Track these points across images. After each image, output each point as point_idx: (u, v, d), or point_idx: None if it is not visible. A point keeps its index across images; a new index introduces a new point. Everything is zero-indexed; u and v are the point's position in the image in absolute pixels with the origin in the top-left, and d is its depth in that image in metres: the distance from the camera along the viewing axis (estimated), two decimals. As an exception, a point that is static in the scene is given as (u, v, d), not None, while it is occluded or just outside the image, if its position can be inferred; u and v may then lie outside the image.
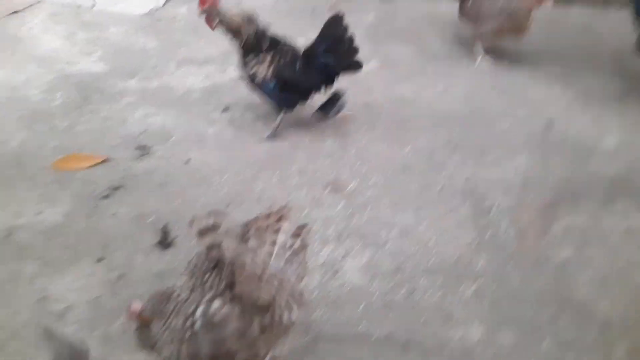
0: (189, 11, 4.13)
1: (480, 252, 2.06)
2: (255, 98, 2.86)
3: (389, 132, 2.79)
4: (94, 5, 4.28)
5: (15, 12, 4.15)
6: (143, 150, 2.68)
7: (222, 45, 3.61)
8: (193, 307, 1.40)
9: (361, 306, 1.88)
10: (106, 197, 2.39)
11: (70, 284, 2.00)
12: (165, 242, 2.15)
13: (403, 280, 1.97)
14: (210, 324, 1.38)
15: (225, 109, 3.02)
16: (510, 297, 1.89)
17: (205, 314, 1.39)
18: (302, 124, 2.86)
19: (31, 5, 4.26)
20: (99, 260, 2.09)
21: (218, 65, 3.46)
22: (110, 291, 1.97)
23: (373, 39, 3.65)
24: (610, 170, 2.47)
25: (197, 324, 1.39)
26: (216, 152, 2.67)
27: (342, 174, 2.50)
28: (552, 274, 1.97)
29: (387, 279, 1.98)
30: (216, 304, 1.40)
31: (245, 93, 2.91)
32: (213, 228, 1.41)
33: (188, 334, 1.39)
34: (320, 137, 2.77)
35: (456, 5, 3.52)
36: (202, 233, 1.41)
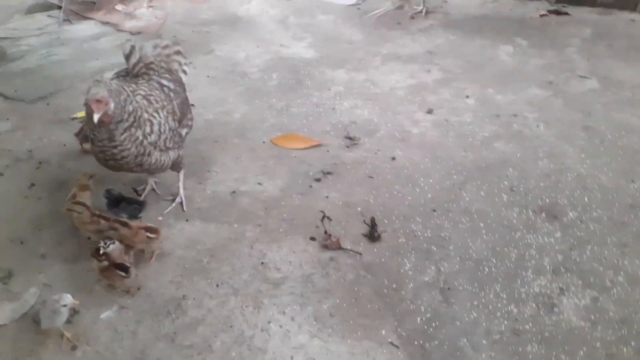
0: (393, 5, 4.18)
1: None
2: (460, 100, 2.80)
3: (612, 162, 2.56)
4: (306, -9, 4.53)
5: (235, -8, 4.53)
6: (352, 141, 2.77)
7: (427, 44, 3.61)
8: None
9: (581, 352, 1.76)
10: (318, 180, 2.52)
11: (286, 255, 2.15)
12: (373, 235, 2.21)
13: (631, 335, 1.80)
14: None
15: (430, 111, 3.01)
16: None
17: None
18: (514, 138, 2.75)
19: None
20: (312, 238, 2.21)
21: (422, 64, 3.45)
22: (321, 271, 2.08)
23: (590, 56, 3.37)
24: None
25: None
26: (421, 153, 2.68)
27: (560, 200, 2.35)
28: None
29: (612, 329, 1.82)
30: None
31: (450, 95, 2.86)
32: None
33: None
34: (533, 154, 2.63)
35: None
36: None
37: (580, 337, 1.79)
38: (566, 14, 3.91)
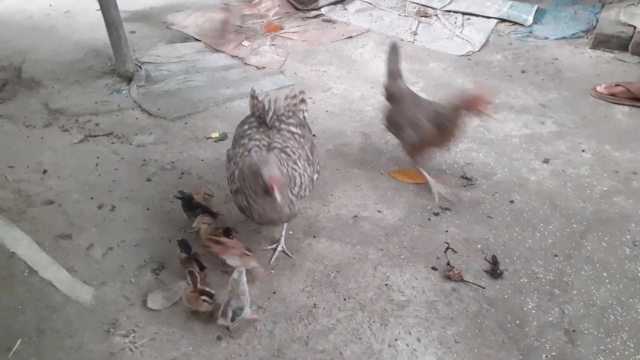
0: (503, 58, 4.31)
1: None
2: (578, 155, 2.84)
3: None
4: (414, 41, 4.76)
5: (349, 37, 4.85)
6: (468, 181, 2.88)
7: (539, 98, 3.70)
8: None
9: None
10: (437, 214, 2.64)
11: (409, 281, 2.27)
12: (495, 271, 2.28)
13: None
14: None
15: (546, 160, 3.07)
16: None
17: None
18: (634, 194, 2.75)
19: (362, 34, 4.93)
20: (433, 268, 2.32)
21: (536, 115, 3.53)
22: (444, 300, 2.17)
23: None
24: None
25: None
26: (539, 199, 2.74)
27: (688, 260, 2.33)
28: None
29: None
30: None
31: (565, 147, 2.91)
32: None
33: None
34: (655, 213, 2.63)
35: None
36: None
37: None
38: (684, 79, 3.87)
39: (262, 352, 1.97)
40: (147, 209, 2.65)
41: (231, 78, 4.05)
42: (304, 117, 2.52)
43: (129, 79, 3.87)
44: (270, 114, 2.31)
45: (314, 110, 3.60)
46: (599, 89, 3.71)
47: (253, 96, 2.50)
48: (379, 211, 2.68)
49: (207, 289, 2.06)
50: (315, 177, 2.35)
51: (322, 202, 2.72)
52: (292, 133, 2.29)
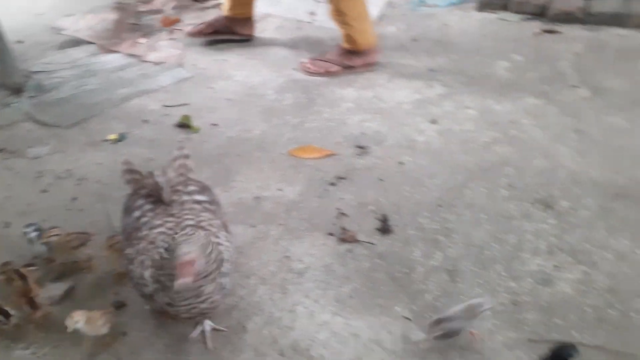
0: (397, 29, 4.50)
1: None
2: (463, 113, 3.07)
3: (601, 159, 2.80)
4: (313, 22, 4.87)
5: (250, 23, 4.88)
6: (362, 150, 3.04)
7: (428, 63, 3.91)
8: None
9: (573, 316, 1.97)
10: (333, 184, 2.78)
11: (307, 249, 2.39)
12: (385, 228, 2.45)
13: (618, 301, 2.01)
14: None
15: (434, 122, 3.27)
16: None
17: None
18: (511, 141, 3.00)
19: (262, 19, 4.98)
20: (330, 234, 2.46)
21: (426, 80, 3.73)
22: (340, 261, 2.32)
23: (581, 68, 3.65)
24: None
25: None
26: (427, 158, 2.93)
27: (554, 193, 2.59)
28: None
29: (600, 297, 2.04)
30: None
31: (452, 107, 3.13)
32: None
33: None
34: (529, 155, 2.88)
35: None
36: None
37: (573, 304, 2.01)
38: (559, 32, 4.20)
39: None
40: (44, 220, 2.62)
41: (128, 77, 4.01)
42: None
43: (18, 91, 3.75)
44: (167, 189, 1.87)
45: (215, 99, 3.64)
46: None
47: (130, 170, 2.02)
48: (279, 189, 2.78)
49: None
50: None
51: (224, 188, 2.79)
52: (200, 202, 1.91)
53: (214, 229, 1.82)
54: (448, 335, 1.82)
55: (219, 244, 1.76)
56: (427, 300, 2.09)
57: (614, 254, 2.22)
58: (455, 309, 1.83)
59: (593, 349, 1.84)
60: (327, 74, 3.87)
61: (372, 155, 3.01)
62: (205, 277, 1.64)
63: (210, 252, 1.64)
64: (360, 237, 2.42)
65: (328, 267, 2.29)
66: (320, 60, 3.93)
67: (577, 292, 2.07)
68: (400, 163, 2.91)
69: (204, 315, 1.84)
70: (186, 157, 2.11)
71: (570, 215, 2.44)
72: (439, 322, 1.82)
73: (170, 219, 1.81)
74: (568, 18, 4.26)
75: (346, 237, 2.41)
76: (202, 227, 1.79)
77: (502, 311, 2.01)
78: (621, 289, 2.06)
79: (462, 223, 2.46)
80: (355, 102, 3.58)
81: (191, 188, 1.96)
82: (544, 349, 1.82)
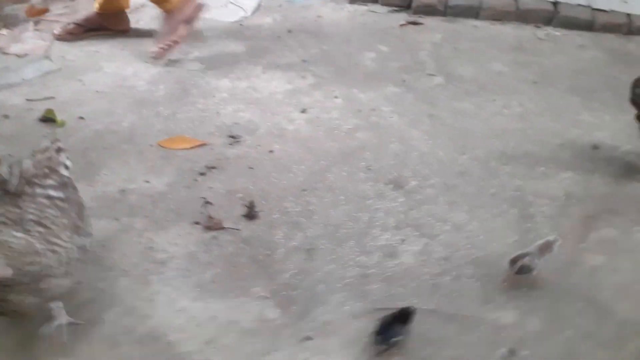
0: (273, 21, 4.59)
1: (522, 251, 2.33)
2: (331, 102, 3.24)
3: (449, 140, 3.10)
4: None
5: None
6: (234, 139, 3.11)
7: (301, 54, 4.05)
8: None
9: (413, 284, 2.20)
10: (203, 174, 2.83)
11: (172, 239, 2.43)
12: (250, 214, 2.55)
13: (452, 267, 2.28)
14: None
15: (303, 111, 3.42)
16: (542, 290, 2.16)
17: None
18: (372, 127, 3.22)
19: (136, 9, 4.83)
20: (196, 223, 2.51)
21: (298, 71, 3.86)
22: (204, 248, 2.38)
23: (438, 57, 3.98)
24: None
25: None
26: (295, 145, 3.07)
27: (405, 173, 2.83)
28: (582, 275, 2.23)
29: (437, 265, 2.29)
30: None
31: (321, 97, 3.30)
32: None
33: None
34: (386, 139, 3.11)
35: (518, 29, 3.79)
36: None
37: (413, 273, 2.24)
38: (421, 23, 4.52)
39: (21, 338, 1.98)
40: None
41: (-14, 71, 3.73)
42: (66, 165, 2.07)
43: None
44: (14, 180, 1.83)
45: (84, 92, 3.52)
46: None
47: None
48: (146, 181, 2.77)
49: None
50: (87, 242, 2.02)
51: (88, 182, 2.73)
52: (51, 198, 1.88)
53: (54, 227, 1.79)
54: (523, 270, 2.09)
55: (56, 244, 1.76)
56: (285, 279, 2.22)
57: (451, 226, 2.49)
58: (532, 245, 2.11)
59: (428, 313, 2.06)
60: (176, 43, 3.88)
61: (244, 144, 3.08)
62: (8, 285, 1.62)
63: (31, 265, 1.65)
64: (227, 224, 2.49)
65: (192, 255, 2.34)
66: (164, 37, 3.90)
67: (417, 262, 2.30)
68: (271, 151, 3.02)
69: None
70: (59, 150, 2.05)
71: (418, 193, 2.69)
72: (516, 259, 2.10)
73: (15, 209, 1.77)
74: (430, 10, 4.60)
75: (212, 225, 2.47)
76: (42, 225, 1.77)
77: (351, 284, 2.19)
78: (456, 257, 2.32)
79: (323, 205, 2.62)
80: (230, 92, 3.63)
81: (49, 182, 1.92)
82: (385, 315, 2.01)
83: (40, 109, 3.27)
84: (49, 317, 1.95)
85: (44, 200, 1.86)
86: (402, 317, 1.97)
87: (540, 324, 2.02)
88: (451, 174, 2.84)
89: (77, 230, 1.91)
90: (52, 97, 3.41)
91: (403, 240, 2.41)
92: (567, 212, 2.56)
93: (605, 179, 2.80)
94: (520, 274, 2.11)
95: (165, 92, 3.61)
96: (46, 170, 1.97)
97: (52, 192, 1.91)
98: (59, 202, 1.89)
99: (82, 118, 3.25)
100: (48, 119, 3.21)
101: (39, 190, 1.87)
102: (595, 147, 3.07)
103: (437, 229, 2.48)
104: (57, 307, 1.93)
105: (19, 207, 1.78)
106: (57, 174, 2.00)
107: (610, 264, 2.29)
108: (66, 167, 2.08)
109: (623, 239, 2.42)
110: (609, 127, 3.28)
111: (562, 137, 3.16)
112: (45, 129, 3.14)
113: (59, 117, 3.22)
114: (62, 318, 1.97)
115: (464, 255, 2.33)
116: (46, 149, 2.04)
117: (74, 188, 2.05)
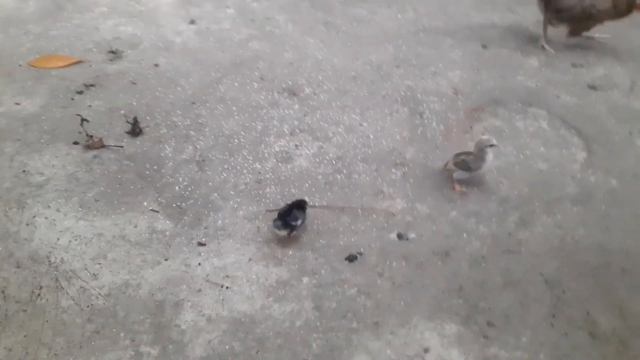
0: None
1: (411, 145, 2.39)
2: (223, 12, 3.04)
3: (344, 47, 3.05)
4: None
5: None
6: (115, 55, 2.87)
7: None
8: None
9: (307, 184, 2.20)
10: (81, 92, 2.60)
11: (48, 161, 2.24)
12: (135, 130, 2.40)
13: (344, 166, 2.29)
14: None
15: (192, 22, 3.20)
16: (429, 179, 2.24)
17: None
18: (266, 37, 3.09)
19: None
20: (75, 143, 2.33)
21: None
22: (85, 168, 2.22)
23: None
24: (529, 84, 2.82)
25: None
26: (183, 58, 2.88)
27: (300, 81, 2.76)
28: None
29: (330, 165, 2.29)
30: None
31: (211, 8, 3.09)
32: None
33: None
34: (281, 48, 3.00)
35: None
36: None
37: (307, 174, 2.23)
38: None
39: None
40: None
41: None
42: None
43: None
44: None
45: None
46: None
47: None
48: (17, 104, 2.51)
49: None
50: None
51: (-54, 108, 2.42)
52: None
53: None
54: (461, 166, 2.14)
55: None
56: (175, 192, 2.14)
57: (344, 128, 2.49)
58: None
59: (321, 208, 2.08)
60: None
61: (126, 59, 2.86)
62: None
63: None
64: (108, 142, 2.33)
65: (72, 175, 2.19)
66: None
67: (311, 164, 2.29)
68: (156, 65, 2.82)
69: None
70: None
71: (312, 100, 2.65)
72: (458, 155, 2.16)
73: None
74: None
75: (92, 144, 2.31)
76: None
77: (246, 190, 2.15)
78: (347, 156, 2.34)
79: (214, 117, 2.52)
80: (110, 6, 3.32)
81: None
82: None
83: None
84: None
85: None
86: (298, 206, 1.98)
87: (428, 207, 2.10)
88: (345, 80, 2.81)
89: None
90: None
91: (297, 146, 2.38)
92: (455, 106, 2.64)
93: (491, 74, 2.89)
94: (459, 169, 2.16)
95: (36, 9, 3.23)
96: None
97: None
98: None
99: None
100: None
101: None
102: (484, 46, 3.15)
103: (330, 132, 2.47)
104: None
105: None
106: None
107: (495, 149, 2.40)
108: None
109: (505, 127, 2.53)
110: (497, 27, 3.37)
111: (453, 38, 3.21)
112: None
113: None
114: None
115: (355, 154, 2.35)
116: None
117: None
